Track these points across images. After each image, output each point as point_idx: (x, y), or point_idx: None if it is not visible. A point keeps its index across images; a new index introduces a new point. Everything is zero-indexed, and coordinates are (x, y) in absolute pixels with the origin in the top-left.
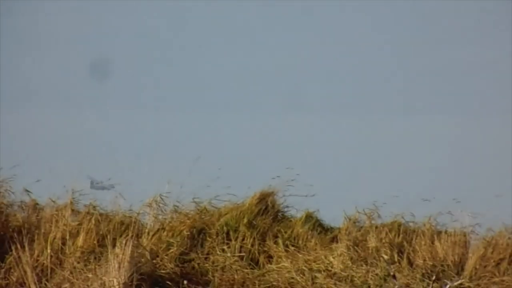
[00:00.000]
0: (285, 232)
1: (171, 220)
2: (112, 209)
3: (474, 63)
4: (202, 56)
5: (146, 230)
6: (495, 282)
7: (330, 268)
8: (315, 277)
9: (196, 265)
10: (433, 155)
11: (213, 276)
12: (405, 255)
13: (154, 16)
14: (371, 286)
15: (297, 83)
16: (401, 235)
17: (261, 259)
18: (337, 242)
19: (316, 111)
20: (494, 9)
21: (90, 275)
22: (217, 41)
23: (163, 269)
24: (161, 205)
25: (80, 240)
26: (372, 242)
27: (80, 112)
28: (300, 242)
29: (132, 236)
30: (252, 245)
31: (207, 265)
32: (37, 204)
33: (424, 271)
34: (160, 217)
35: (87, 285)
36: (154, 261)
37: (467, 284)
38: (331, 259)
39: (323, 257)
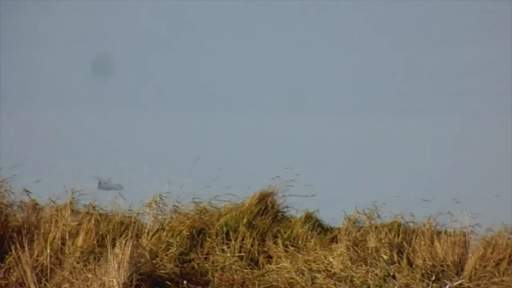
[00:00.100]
0: (285, 232)
1: (171, 220)
2: (112, 209)
3: (474, 63)
4: (202, 56)
5: (146, 230)
6: (494, 282)
7: (329, 268)
8: (315, 277)
9: (195, 265)
10: (433, 155)
11: (213, 276)
12: (404, 255)
13: (154, 16)
14: (371, 286)
15: (297, 83)
16: (400, 235)
17: (261, 259)
18: (336, 242)
19: (316, 111)
20: (494, 9)
21: (89, 275)
22: (217, 41)
23: (163, 269)
24: (160, 205)
25: (79, 240)
26: (371, 242)
27: (80, 112)
28: (299, 242)
29: (131, 236)
30: (252, 245)
31: (206, 265)
32: (37, 204)
33: (423, 271)
34: (159, 217)
35: (87, 285)
36: (154, 261)
37: (466, 284)
38: (331, 259)
39: (322, 257)
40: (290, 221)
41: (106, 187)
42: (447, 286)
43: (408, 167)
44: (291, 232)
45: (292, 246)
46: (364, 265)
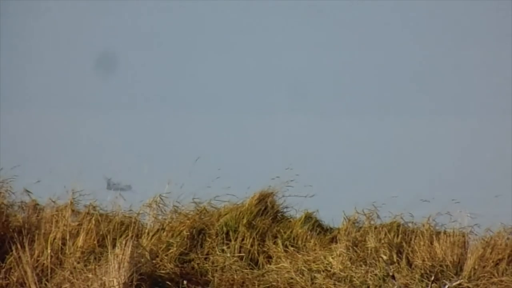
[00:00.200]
0: (285, 233)
1: (171, 221)
2: (112, 210)
3: (474, 63)
4: (202, 56)
5: (146, 231)
6: (493, 282)
7: (329, 269)
8: (315, 277)
9: (195, 265)
10: (433, 155)
11: (213, 276)
12: (404, 256)
13: (154, 16)
14: (370, 286)
15: (298, 84)
16: (400, 236)
17: (261, 259)
18: (336, 242)
19: (316, 112)
20: (494, 9)
21: (90, 275)
22: (218, 41)
23: (163, 269)
24: (161, 205)
25: (80, 241)
26: (371, 243)
27: (80, 112)
28: (299, 242)
29: (132, 236)
30: (252, 246)
31: (206, 265)
32: (37, 204)
33: (423, 271)
34: (160, 217)
35: (87, 285)
36: (154, 261)
37: (465, 285)
38: (331, 260)
39: (322, 257)
40: (290, 221)
41: (115, 187)
42: (446, 286)
43: (407, 167)
44: (291, 232)
45: (292, 246)
46: (363, 265)
